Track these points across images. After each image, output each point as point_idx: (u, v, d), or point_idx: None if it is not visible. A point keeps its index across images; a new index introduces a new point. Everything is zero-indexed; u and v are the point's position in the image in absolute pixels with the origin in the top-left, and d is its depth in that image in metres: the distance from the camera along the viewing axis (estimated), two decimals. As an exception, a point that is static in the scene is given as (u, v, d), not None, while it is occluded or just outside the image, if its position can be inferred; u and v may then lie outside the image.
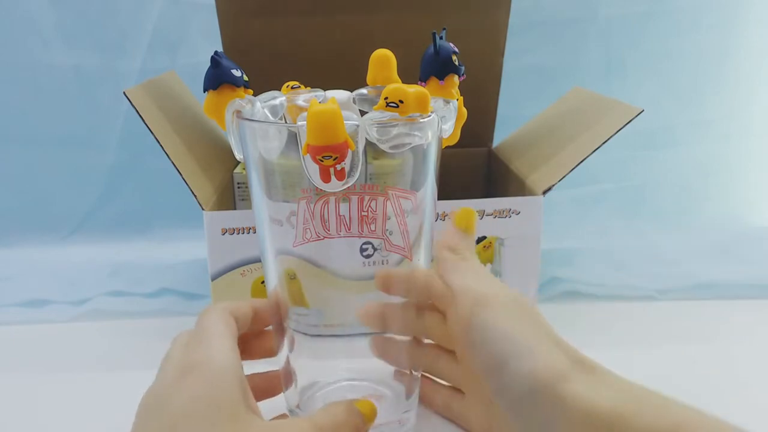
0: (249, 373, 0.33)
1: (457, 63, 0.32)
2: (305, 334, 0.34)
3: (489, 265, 0.48)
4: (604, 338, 0.48)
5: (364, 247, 0.31)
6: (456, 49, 0.32)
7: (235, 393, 0.26)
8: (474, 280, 0.31)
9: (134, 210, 0.74)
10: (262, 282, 0.46)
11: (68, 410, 0.39)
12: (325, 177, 0.28)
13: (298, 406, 0.35)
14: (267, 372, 0.35)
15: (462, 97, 0.33)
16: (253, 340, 0.35)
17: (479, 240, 0.47)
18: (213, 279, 0.46)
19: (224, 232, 0.45)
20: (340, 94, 0.34)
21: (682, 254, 0.64)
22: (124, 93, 0.43)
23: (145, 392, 0.27)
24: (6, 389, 0.42)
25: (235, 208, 0.55)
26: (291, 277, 0.33)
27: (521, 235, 0.47)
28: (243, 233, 0.45)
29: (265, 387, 0.35)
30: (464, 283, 0.31)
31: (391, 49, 0.34)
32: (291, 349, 0.34)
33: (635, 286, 0.56)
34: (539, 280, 0.50)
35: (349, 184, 0.28)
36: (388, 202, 0.31)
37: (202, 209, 0.45)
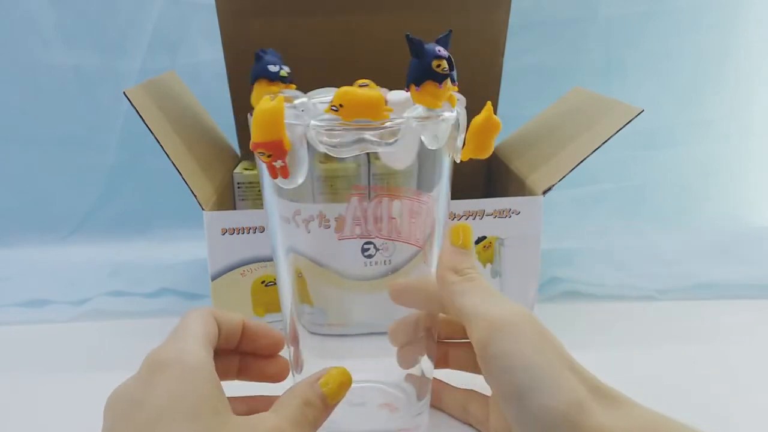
0: (240, 396, 0.32)
1: (445, 70, 0.28)
2: (313, 333, 0.34)
3: (489, 265, 0.48)
4: (604, 338, 0.48)
5: (366, 247, 0.31)
6: (441, 53, 0.28)
7: (212, 388, 0.26)
8: (485, 303, 0.30)
9: (134, 210, 0.74)
10: (262, 282, 0.46)
11: (68, 410, 0.39)
12: (272, 172, 0.29)
13: None
14: (258, 396, 0.33)
15: (490, 104, 0.30)
16: (259, 361, 0.33)
17: (479, 240, 0.47)
18: (213, 279, 0.46)
19: (224, 232, 0.45)
20: (399, 95, 0.32)
21: (682, 254, 0.64)
22: (124, 93, 0.43)
23: (111, 392, 0.27)
24: (6, 389, 0.42)
25: (235, 208, 0.55)
26: (298, 275, 0.33)
27: (521, 235, 0.47)
28: (243, 233, 0.45)
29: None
30: (475, 306, 0.30)
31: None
32: (298, 346, 0.34)
33: (635, 286, 0.56)
34: (539, 280, 0.50)
35: (297, 183, 0.29)
36: (422, 206, 0.31)
37: (202, 209, 0.45)
